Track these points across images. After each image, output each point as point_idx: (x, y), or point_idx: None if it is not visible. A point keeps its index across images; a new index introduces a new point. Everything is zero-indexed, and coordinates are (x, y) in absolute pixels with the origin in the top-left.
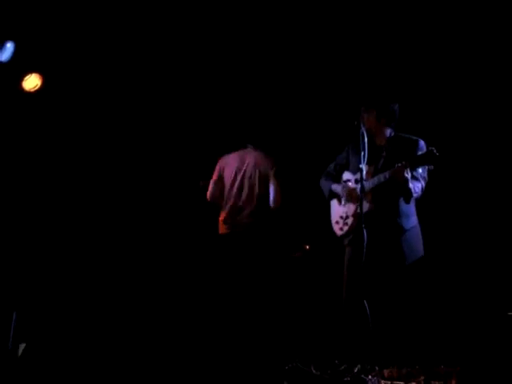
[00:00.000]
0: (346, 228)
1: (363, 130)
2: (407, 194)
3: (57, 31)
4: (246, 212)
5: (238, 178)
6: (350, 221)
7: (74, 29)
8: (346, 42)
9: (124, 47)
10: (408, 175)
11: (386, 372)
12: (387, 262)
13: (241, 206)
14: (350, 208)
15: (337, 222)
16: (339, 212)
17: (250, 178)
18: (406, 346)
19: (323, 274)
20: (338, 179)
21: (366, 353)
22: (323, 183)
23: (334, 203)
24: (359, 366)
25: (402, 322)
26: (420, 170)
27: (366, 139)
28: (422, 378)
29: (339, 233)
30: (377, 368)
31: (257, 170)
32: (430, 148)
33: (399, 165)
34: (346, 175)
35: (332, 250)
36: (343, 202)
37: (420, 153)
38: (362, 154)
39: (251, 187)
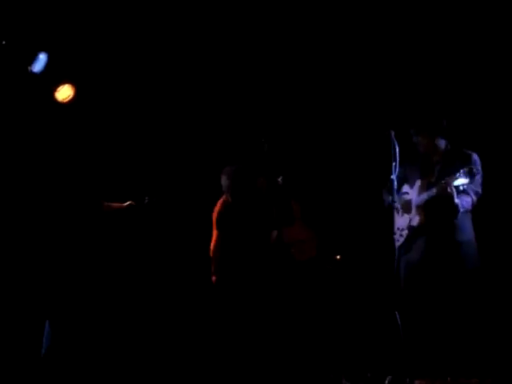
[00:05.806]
0: (401, 240)
1: (415, 140)
2: (454, 210)
3: (88, 41)
4: None
5: None
6: (404, 233)
7: (105, 38)
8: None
9: (152, 59)
10: (453, 191)
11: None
12: (439, 274)
13: None
14: (406, 220)
15: (395, 233)
16: (397, 223)
17: None
18: (439, 358)
19: (355, 284)
20: (397, 192)
21: (398, 364)
22: (384, 195)
23: (395, 214)
24: (390, 377)
25: (435, 333)
26: (465, 183)
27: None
28: None
29: (396, 244)
30: (408, 380)
31: None
32: (470, 166)
33: (443, 182)
34: (405, 188)
35: (364, 261)
36: (399, 214)
37: (463, 170)
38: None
39: None
